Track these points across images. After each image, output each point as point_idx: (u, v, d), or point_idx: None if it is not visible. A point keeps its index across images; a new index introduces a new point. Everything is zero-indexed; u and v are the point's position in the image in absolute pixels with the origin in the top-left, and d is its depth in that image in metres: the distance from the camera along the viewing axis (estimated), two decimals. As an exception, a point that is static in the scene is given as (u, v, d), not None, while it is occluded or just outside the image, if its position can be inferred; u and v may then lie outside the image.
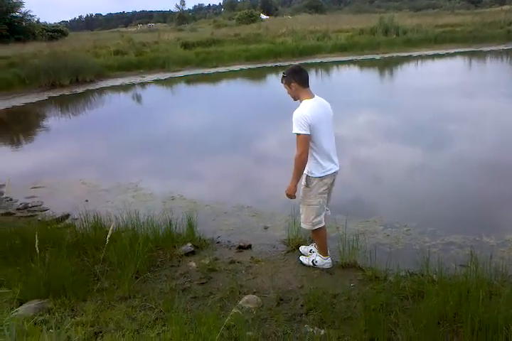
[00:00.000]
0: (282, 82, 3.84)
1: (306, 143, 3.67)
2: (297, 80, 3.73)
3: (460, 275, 3.47)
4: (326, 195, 3.95)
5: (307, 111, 3.66)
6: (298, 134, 3.66)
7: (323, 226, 4.05)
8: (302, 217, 4.03)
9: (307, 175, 3.85)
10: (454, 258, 4.11)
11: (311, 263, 4.12)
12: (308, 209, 3.95)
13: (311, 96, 3.80)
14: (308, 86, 3.80)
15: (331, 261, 4.11)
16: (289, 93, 3.86)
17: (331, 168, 3.86)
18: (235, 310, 2.50)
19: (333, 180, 3.97)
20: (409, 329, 2.94)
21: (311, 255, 4.21)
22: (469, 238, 4.54)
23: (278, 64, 20.16)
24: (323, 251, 4.10)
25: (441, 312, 3.10)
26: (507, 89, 12.35)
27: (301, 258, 4.23)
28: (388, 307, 3.28)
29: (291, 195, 3.86)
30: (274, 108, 11.37)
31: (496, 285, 3.42)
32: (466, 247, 4.32)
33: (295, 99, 3.87)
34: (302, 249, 4.38)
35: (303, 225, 4.08)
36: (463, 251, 4.28)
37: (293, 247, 4.50)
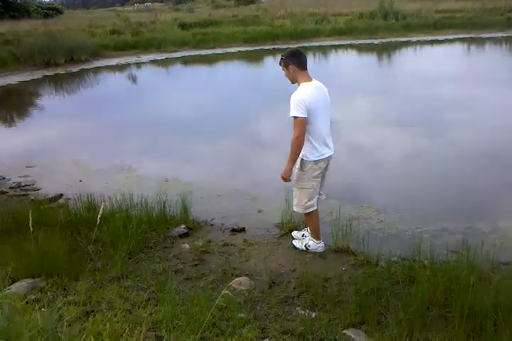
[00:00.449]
0: (280, 65, 3.81)
1: (303, 126, 3.67)
2: (295, 63, 3.72)
3: (451, 261, 3.50)
4: (319, 179, 3.97)
5: (305, 95, 3.65)
6: (295, 117, 3.65)
7: (316, 210, 4.07)
8: (295, 200, 4.04)
9: (302, 159, 3.85)
10: (446, 244, 4.12)
11: (303, 247, 4.14)
12: (301, 192, 3.95)
13: (309, 79, 3.78)
14: (306, 69, 3.78)
15: (323, 245, 4.13)
16: (286, 76, 3.84)
17: (326, 152, 3.87)
18: (225, 291, 2.50)
19: (327, 165, 3.98)
20: (399, 313, 2.97)
21: (303, 239, 4.22)
22: (461, 224, 4.57)
23: (276, 47, 19.96)
24: (315, 235, 4.12)
25: (431, 297, 3.14)
26: (504, 75, 12.30)
27: (294, 242, 4.25)
28: (379, 291, 3.31)
29: (286, 178, 3.87)
30: (270, 91, 11.27)
31: (486, 271, 3.46)
32: (458, 233, 4.35)
33: (293, 82, 3.85)
34: (295, 233, 4.40)
35: (295, 208, 4.09)
36: (454, 237, 4.31)
37: (286, 231, 4.52)
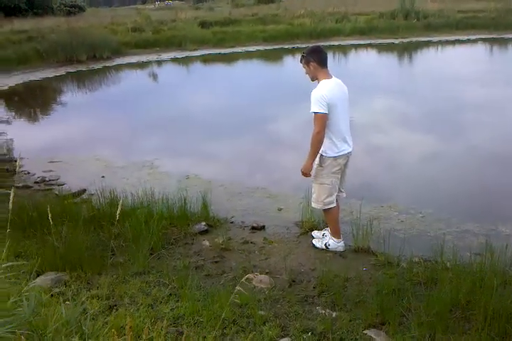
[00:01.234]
0: (301, 62, 3.86)
1: (323, 121, 3.70)
2: (316, 60, 3.76)
3: (474, 263, 3.46)
4: (338, 175, 3.97)
5: (326, 91, 3.68)
6: (316, 113, 3.68)
7: (335, 208, 4.07)
8: (314, 196, 4.05)
9: (321, 155, 3.87)
10: (469, 246, 4.08)
11: (323, 246, 4.13)
12: (320, 188, 3.96)
13: (330, 76, 3.82)
14: (326, 66, 3.82)
15: (344, 245, 4.12)
16: (307, 73, 3.87)
17: (345, 148, 3.89)
18: (238, 288, 2.41)
19: (347, 161, 4.00)
20: (421, 315, 2.95)
21: (324, 238, 4.22)
22: (485, 226, 4.51)
23: (295, 46, 19.87)
24: (335, 233, 4.11)
25: (453, 300, 3.10)
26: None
27: (314, 241, 4.24)
28: (400, 292, 3.29)
29: (306, 173, 3.90)
30: (290, 90, 11.25)
31: (510, 274, 3.41)
32: (482, 236, 4.30)
33: (313, 80, 3.89)
34: (315, 233, 4.39)
35: (314, 204, 4.10)
36: (478, 239, 4.26)
37: (306, 230, 4.52)
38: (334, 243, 4.09)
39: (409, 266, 3.64)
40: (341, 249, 4.11)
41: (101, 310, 3.07)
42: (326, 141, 3.81)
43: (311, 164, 3.86)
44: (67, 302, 3.11)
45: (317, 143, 3.76)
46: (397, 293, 3.28)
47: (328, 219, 4.17)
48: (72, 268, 3.63)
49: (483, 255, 3.54)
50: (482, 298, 2.99)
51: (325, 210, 4.09)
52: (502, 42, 19.37)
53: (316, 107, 3.67)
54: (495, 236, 4.21)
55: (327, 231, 4.28)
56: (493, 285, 3.04)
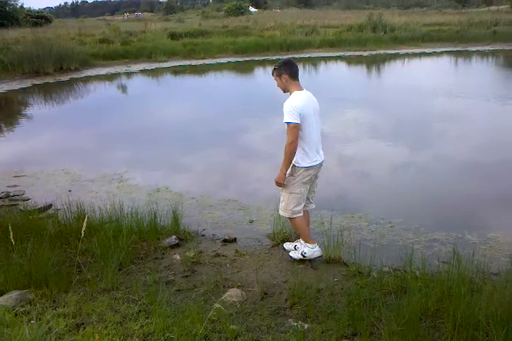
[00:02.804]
0: (273, 75, 3.93)
1: (296, 131, 3.76)
2: (288, 72, 3.84)
3: (442, 271, 3.51)
4: (308, 185, 4.03)
5: (298, 102, 3.76)
6: (288, 123, 3.74)
7: (301, 216, 4.09)
8: (282, 204, 4.08)
9: (294, 165, 3.92)
10: (437, 254, 4.16)
11: (300, 256, 4.10)
12: (290, 197, 4.00)
13: (301, 88, 3.91)
14: (298, 79, 3.91)
15: (319, 249, 4.09)
16: (279, 85, 3.94)
17: (317, 159, 3.96)
18: (217, 305, 2.46)
19: (318, 172, 4.05)
20: (392, 325, 2.97)
21: (298, 249, 4.20)
22: (452, 235, 4.60)
23: (266, 58, 20.10)
24: (306, 238, 4.11)
25: (423, 308, 3.15)
26: (490, 89, 12.50)
27: (291, 253, 4.21)
28: (371, 302, 3.31)
29: (280, 183, 3.93)
30: (261, 102, 11.35)
31: (477, 282, 3.47)
32: (449, 244, 4.38)
33: (285, 91, 3.96)
34: (287, 245, 4.39)
35: (281, 212, 4.12)
36: (446, 248, 4.34)
37: (278, 241, 4.51)
38: (309, 249, 4.08)
39: (380, 276, 3.66)
40: (318, 253, 4.09)
41: (67, 328, 2.98)
42: (298, 152, 3.87)
43: (285, 174, 3.91)
44: (31, 321, 3.02)
45: (290, 153, 3.81)
46: (368, 303, 3.30)
47: (296, 226, 4.20)
48: (37, 285, 3.52)
49: (450, 263, 3.60)
50: (450, 306, 3.03)
51: (291, 218, 4.12)
52: (466, 55, 20.05)
53: (288, 118, 3.73)
54: (462, 245, 4.29)
55: (299, 243, 4.29)
56: (460, 293, 3.09)
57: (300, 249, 4.16)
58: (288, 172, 3.93)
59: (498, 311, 2.89)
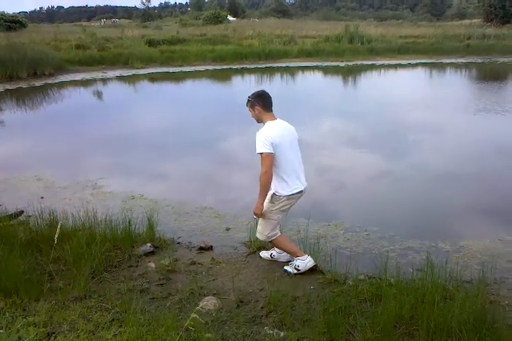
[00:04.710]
0: (247, 105, 3.99)
1: (269, 161, 3.78)
2: (261, 104, 3.91)
3: (416, 279, 3.56)
4: (286, 212, 4.07)
5: (269, 131, 3.82)
6: (261, 153, 3.78)
7: (280, 235, 4.12)
8: (259, 228, 4.10)
9: (274, 193, 3.93)
10: (411, 262, 4.21)
11: (295, 271, 4.04)
12: (266, 222, 4.02)
13: (274, 118, 3.97)
14: (271, 110, 3.97)
15: (311, 259, 4.05)
16: (253, 116, 4.02)
17: (297, 186, 3.96)
18: (193, 315, 2.43)
19: (298, 200, 4.06)
20: (367, 332, 2.99)
21: (291, 263, 4.13)
22: (426, 243, 4.66)
23: (244, 66, 20.19)
24: (295, 252, 4.09)
25: (398, 315, 3.17)
26: (463, 100, 12.83)
27: (286, 268, 4.12)
28: (347, 309, 3.32)
29: (258, 214, 3.94)
30: (238, 110, 11.35)
31: (450, 289, 3.52)
32: (423, 252, 4.43)
33: (258, 122, 4.03)
34: (263, 253, 4.38)
35: (258, 235, 4.16)
36: (420, 256, 4.39)
37: (254, 249, 4.50)
38: (301, 262, 4.03)
39: (355, 284, 3.69)
40: (311, 263, 4.03)
41: (38, 338, 2.91)
42: (278, 181, 3.89)
43: (262, 204, 3.91)
44: (0, 330, 2.93)
45: (266, 182, 3.82)
46: (344, 310, 3.31)
47: (278, 246, 4.19)
48: (6, 294, 3.42)
49: (424, 271, 3.65)
50: (424, 313, 3.07)
51: (270, 241, 4.15)
52: (440, 67, 20.53)
53: (260, 148, 3.77)
54: (435, 253, 4.35)
55: (274, 251, 4.28)
56: (434, 301, 3.13)
57: (293, 263, 4.11)
58: (268, 199, 3.95)
59: (471, 318, 2.95)
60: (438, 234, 4.85)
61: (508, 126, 9.99)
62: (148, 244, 4.49)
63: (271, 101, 3.96)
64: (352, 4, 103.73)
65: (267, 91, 3.98)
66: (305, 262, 4.04)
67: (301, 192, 3.98)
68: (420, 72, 19.64)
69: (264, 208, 3.96)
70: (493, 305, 3.46)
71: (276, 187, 3.91)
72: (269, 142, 3.74)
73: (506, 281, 3.94)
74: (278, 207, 3.94)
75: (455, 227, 5.19)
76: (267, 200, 3.95)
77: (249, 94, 3.98)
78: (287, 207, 3.99)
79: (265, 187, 3.83)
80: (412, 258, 4.36)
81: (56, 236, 3.53)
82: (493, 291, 3.72)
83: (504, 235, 4.85)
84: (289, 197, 3.92)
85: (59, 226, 3.62)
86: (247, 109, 4.00)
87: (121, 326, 3.09)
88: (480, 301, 3.13)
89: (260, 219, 4.05)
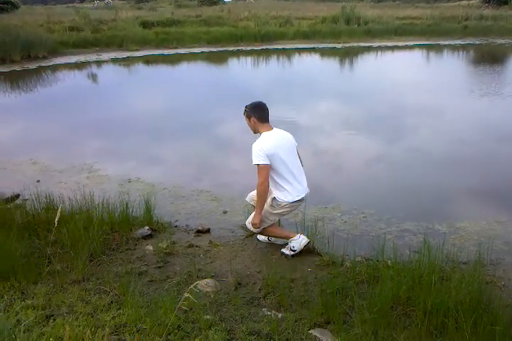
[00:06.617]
0: (244, 115, 4.03)
1: (265, 172, 3.83)
2: (257, 116, 3.96)
3: (413, 260, 3.57)
4: (284, 216, 4.18)
5: (264, 143, 3.86)
6: (257, 164, 3.82)
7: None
8: (250, 218, 4.11)
9: (275, 198, 3.97)
10: (408, 244, 4.23)
11: (292, 252, 4.06)
12: (260, 220, 4.02)
13: (270, 129, 3.99)
14: (267, 121, 4.01)
15: (304, 236, 4.07)
16: (249, 126, 4.05)
17: (299, 193, 3.99)
18: (186, 295, 2.43)
19: (298, 206, 4.12)
20: (364, 313, 3.01)
21: (287, 246, 4.15)
22: (423, 225, 4.68)
23: (240, 48, 19.95)
24: (286, 236, 4.12)
25: (394, 296, 3.19)
26: (460, 82, 12.76)
27: (283, 250, 4.14)
28: (344, 291, 3.34)
29: (257, 225, 3.97)
30: (235, 92, 11.28)
31: (447, 270, 3.54)
32: (420, 234, 4.45)
33: (255, 132, 4.07)
34: (260, 236, 4.40)
35: (247, 225, 4.19)
36: (416, 237, 4.41)
37: (251, 232, 4.50)
38: (295, 241, 4.04)
39: (353, 265, 3.71)
40: (305, 241, 4.03)
41: (37, 320, 2.91)
42: (279, 190, 3.95)
43: (260, 214, 3.95)
44: (-1, 313, 2.94)
45: (263, 192, 3.87)
46: (341, 292, 3.33)
47: (270, 235, 4.24)
48: (4, 277, 3.42)
49: (421, 253, 3.66)
50: (421, 294, 3.09)
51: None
52: (437, 49, 20.34)
53: (256, 160, 3.82)
54: (432, 235, 4.37)
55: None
56: (431, 282, 3.15)
57: (288, 245, 4.12)
58: (268, 202, 3.98)
59: (467, 299, 2.97)
60: (435, 216, 4.87)
61: (504, 108, 9.95)
62: (146, 227, 4.49)
63: (267, 112, 4.00)
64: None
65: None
66: (298, 241, 4.06)
67: (301, 199, 4.02)
68: (417, 54, 19.47)
69: (264, 208, 3.99)
70: (490, 285, 3.49)
71: (277, 194, 3.97)
72: (264, 154, 3.79)
73: (502, 262, 3.97)
74: (277, 212, 4.02)
75: (452, 209, 5.21)
76: (268, 202, 4.00)
77: (247, 104, 4.01)
78: (287, 212, 4.07)
79: (263, 197, 3.90)
80: (409, 240, 4.38)
81: (56, 219, 3.51)
82: (490, 272, 3.76)
83: (501, 217, 4.87)
84: (291, 204, 3.98)
85: (59, 210, 3.58)
86: (244, 118, 4.05)
87: (119, 308, 3.10)
88: (476, 282, 3.15)
89: (254, 213, 4.05)
